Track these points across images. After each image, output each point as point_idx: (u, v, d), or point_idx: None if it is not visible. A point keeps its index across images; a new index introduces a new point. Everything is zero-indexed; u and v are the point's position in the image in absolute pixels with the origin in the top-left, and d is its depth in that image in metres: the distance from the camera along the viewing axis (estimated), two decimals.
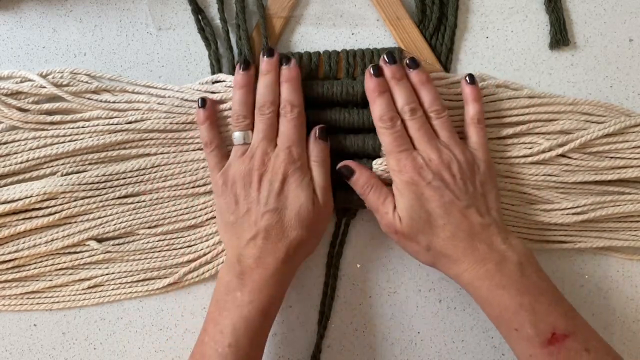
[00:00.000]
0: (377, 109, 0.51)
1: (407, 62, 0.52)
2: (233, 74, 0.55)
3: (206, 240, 0.55)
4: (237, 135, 0.52)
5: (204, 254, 0.55)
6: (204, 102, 0.53)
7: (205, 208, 0.55)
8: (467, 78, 0.53)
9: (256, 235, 0.49)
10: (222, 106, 0.54)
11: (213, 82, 0.55)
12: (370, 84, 0.51)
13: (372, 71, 0.51)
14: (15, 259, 0.55)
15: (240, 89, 0.52)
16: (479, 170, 0.51)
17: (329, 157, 0.52)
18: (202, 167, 0.55)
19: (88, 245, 0.55)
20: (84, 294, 0.55)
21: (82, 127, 0.54)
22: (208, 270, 0.55)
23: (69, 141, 0.54)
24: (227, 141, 0.54)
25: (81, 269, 0.55)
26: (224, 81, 0.55)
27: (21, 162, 0.54)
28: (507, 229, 0.50)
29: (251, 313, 0.48)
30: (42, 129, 0.54)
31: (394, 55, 0.52)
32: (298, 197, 0.50)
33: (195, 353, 0.49)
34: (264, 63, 0.52)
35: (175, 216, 0.55)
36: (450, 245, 0.49)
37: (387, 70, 0.52)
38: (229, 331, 0.47)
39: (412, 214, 0.49)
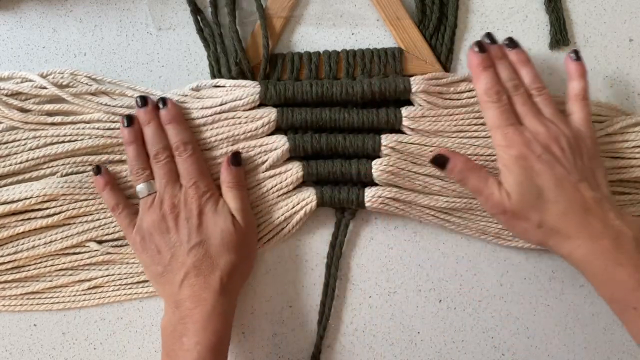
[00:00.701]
0: (482, 83, 0.51)
1: (507, 42, 0.53)
2: (230, 77, 0.55)
3: None
4: (140, 188, 0.52)
5: None
6: (98, 169, 0.53)
7: None
8: (571, 54, 0.53)
9: (187, 274, 0.49)
10: (220, 108, 0.54)
11: (213, 86, 0.55)
12: (474, 59, 0.51)
13: (476, 48, 0.51)
14: (15, 260, 0.55)
15: (131, 145, 0.52)
16: (585, 145, 0.50)
17: (244, 179, 0.53)
18: None
19: (88, 246, 0.55)
20: (84, 294, 0.55)
21: (83, 128, 0.54)
22: None
23: (68, 141, 0.54)
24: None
25: (81, 270, 0.55)
26: (223, 86, 0.55)
27: (21, 162, 0.54)
28: (618, 206, 0.49)
29: (201, 354, 0.47)
30: (43, 129, 0.54)
31: (493, 36, 0.52)
32: (217, 224, 0.50)
33: None
34: (141, 113, 0.52)
35: None
36: (563, 221, 0.47)
37: (489, 48, 0.52)
38: None
39: (522, 189, 0.48)
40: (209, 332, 0.48)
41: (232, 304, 0.51)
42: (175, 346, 0.48)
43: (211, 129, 0.54)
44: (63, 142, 0.54)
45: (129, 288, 0.55)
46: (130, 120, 0.52)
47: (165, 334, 0.49)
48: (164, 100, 0.52)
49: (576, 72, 0.52)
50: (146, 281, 0.55)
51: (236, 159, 0.53)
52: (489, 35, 0.53)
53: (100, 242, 0.55)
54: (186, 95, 0.55)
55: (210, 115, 0.54)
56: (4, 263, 0.55)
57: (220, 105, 0.54)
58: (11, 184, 0.55)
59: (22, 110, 0.55)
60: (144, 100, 0.52)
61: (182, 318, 0.48)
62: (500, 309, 0.56)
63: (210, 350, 0.47)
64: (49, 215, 0.54)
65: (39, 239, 0.55)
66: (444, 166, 0.51)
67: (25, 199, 0.54)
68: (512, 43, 0.53)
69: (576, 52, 0.53)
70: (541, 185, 0.48)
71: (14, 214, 0.54)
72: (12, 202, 0.54)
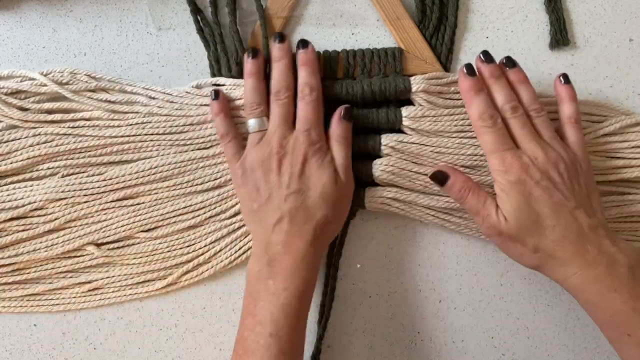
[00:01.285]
0: (475, 108, 0.50)
1: (504, 60, 0.52)
2: (230, 77, 0.55)
3: (205, 239, 0.55)
4: (252, 123, 0.51)
5: (202, 254, 0.55)
6: (217, 94, 0.52)
7: (204, 207, 0.55)
8: (561, 78, 0.52)
9: (281, 219, 0.49)
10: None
11: (213, 85, 0.55)
12: (465, 83, 0.51)
13: (465, 70, 0.51)
14: (16, 262, 0.55)
15: (251, 77, 0.52)
16: (582, 170, 0.50)
17: (351, 136, 0.52)
18: (201, 167, 0.55)
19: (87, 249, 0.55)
20: (84, 296, 0.55)
21: (83, 126, 0.54)
22: (207, 270, 0.55)
23: (67, 142, 0.54)
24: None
25: (81, 272, 0.55)
26: (224, 85, 0.55)
27: (21, 161, 0.54)
28: (613, 232, 0.49)
29: (288, 299, 0.47)
30: (42, 127, 0.54)
31: (490, 54, 0.52)
32: (320, 177, 0.49)
33: (238, 349, 0.48)
34: (276, 49, 0.52)
35: (174, 216, 0.55)
36: (560, 247, 0.47)
37: (485, 68, 0.51)
38: (267, 321, 0.47)
39: (520, 214, 0.48)
40: (298, 279, 0.47)
41: (320, 255, 0.50)
42: (260, 287, 0.48)
43: (211, 127, 0.54)
44: (63, 142, 0.54)
45: (129, 289, 0.55)
46: (255, 52, 0.52)
47: (251, 274, 0.49)
48: (305, 42, 0.52)
49: (566, 96, 0.52)
50: (146, 282, 0.55)
51: (348, 113, 0.52)
52: (485, 53, 0.52)
53: (99, 245, 0.55)
54: (188, 92, 0.55)
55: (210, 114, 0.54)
56: (4, 265, 0.55)
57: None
58: (11, 183, 0.55)
59: (22, 109, 0.54)
60: (281, 37, 0.52)
61: (270, 261, 0.48)
62: (500, 309, 0.56)
63: (297, 297, 0.47)
64: (49, 221, 0.54)
65: (40, 243, 0.54)
66: (443, 183, 0.51)
67: (29, 204, 0.54)
68: (510, 62, 0.52)
69: (565, 76, 0.52)
70: (539, 211, 0.48)
71: (13, 218, 0.55)
72: (15, 208, 0.54)
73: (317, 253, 0.49)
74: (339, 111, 0.52)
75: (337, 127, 0.51)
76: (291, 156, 0.50)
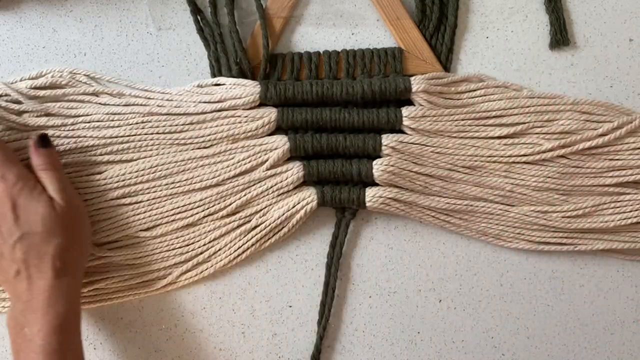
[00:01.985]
0: None
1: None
2: (230, 76, 0.55)
3: (204, 238, 0.55)
4: None
5: (201, 252, 0.55)
6: None
7: (202, 205, 0.55)
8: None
9: (18, 269, 0.48)
10: (220, 105, 0.54)
11: (213, 85, 0.55)
12: None
13: None
14: None
15: None
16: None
17: (57, 158, 0.51)
18: (200, 166, 0.55)
19: None
20: (84, 296, 0.55)
21: (82, 128, 0.54)
22: (207, 269, 0.55)
23: (67, 142, 0.54)
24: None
25: (85, 274, 0.55)
26: (224, 84, 0.55)
27: (21, 161, 0.54)
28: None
29: (44, 340, 0.46)
30: (42, 129, 0.54)
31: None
32: (35, 212, 0.48)
33: None
34: None
35: (172, 215, 0.55)
36: None
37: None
38: None
39: None
40: (50, 317, 0.47)
41: (75, 284, 0.49)
42: (19, 339, 0.47)
43: (210, 127, 0.54)
44: (62, 143, 0.54)
45: (129, 289, 0.55)
46: None
47: (10, 329, 0.48)
48: None
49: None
50: (146, 281, 0.55)
51: (43, 141, 0.50)
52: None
53: (99, 245, 0.55)
54: (188, 92, 0.55)
55: (210, 112, 0.54)
56: None
57: (220, 101, 0.54)
58: None
59: (20, 113, 0.54)
60: None
61: (22, 310, 0.47)
62: (500, 309, 0.56)
63: (53, 333, 0.46)
64: None
65: None
66: None
67: None
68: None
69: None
70: None
71: None
72: None
73: (67, 284, 0.48)
74: (33, 142, 0.50)
75: (35, 157, 0.50)
76: None
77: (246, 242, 0.55)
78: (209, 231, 0.55)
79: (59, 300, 0.47)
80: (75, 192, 0.52)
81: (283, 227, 0.55)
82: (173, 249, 0.55)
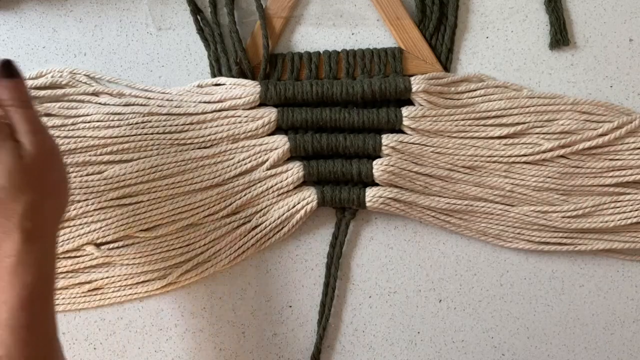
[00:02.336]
0: None
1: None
2: (230, 76, 0.55)
3: (204, 238, 0.55)
4: None
5: (201, 252, 0.55)
6: None
7: (202, 205, 0.55)
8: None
9: None
10: (220, 105, 0.54)
11: (214, 85, 0.55)
12: None
13: None
14: None
15: None
16: None
17: (25, 92, 0.42)
18: (200, 166, 0.55)
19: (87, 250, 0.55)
20: (84, 296, 0.55)
21: (83, 128, 0.54)
22: (207, 269, 0.55)
23: (67, 143, 0.54)
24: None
25: (81, 272, 0.55)
26: (224, 84, 0.55)
27: None
28: None
29: (11, 313, 0.40)
30: None
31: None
32: None
33: None
34: None
35: (173, 215, 0.55)
36: None
37: None
38: None
39: None
40: (18, 287, 0.40)
41: (47, 249, 0.42)
42: None
43: (210, 127, 0.54)
44: (62, 143, 0.54)
45: (129, 289, 0.55)
46: None
47: None
48: None
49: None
50: (146, 281, 0.55)
51: (8, 69, 0.41)
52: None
53: (99, 245, 0.55)
54: (188, 91, 0.55)
55: (210, 112, 0.54)
56: None
57: (220, 101, 0.54)
58: None
59: None
60: None
61: None
62: (500, 309, 0.56)
63: (21, 306, 0.40)
64: None
65: None
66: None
67: None
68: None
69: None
70: None
71: None
72: None
73: (39, 249, 0.41)
74: None
75: (1, 92, 0.41)
76: None
77: (246, 242, 0.55)
78: (209, 231, 0.55)
79: (28, 268, 0.40)
80: (48, 134, 0.43)
81: (283, 227, 0.55)
82: (173, 249, 0.55)
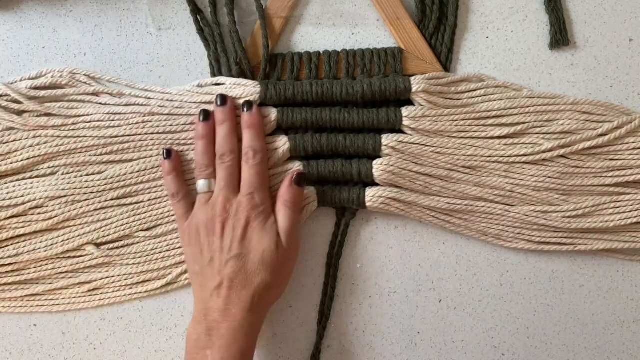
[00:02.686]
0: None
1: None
2: (230, 76, 0.55)
3: None
4: (201, 184, 0.52)
5: None
6: (169, 153, 0.53)
7: None
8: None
9: (220, 284, 0.49)
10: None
11: (213, 85, 0.55)
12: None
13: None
14: (16, 262, 0.55)
15: (201, 140, 0.52)
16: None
17: (301, 201, 0.53)
18: None
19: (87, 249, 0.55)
20: (84, 296, 0.55)
21: (83, 128, 0.54)
22: None
23: (67, 142, 0.54)
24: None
25: (81, 272, 0.55)
26: (224, 84, 0.55)
27: (21, 161, 0.54)
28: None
29: None
30: (43, 129, 0.54)
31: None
32: (261, 241, 0.50)
33: None
34: (218, 112, 0.52)
35: (172, 215, 0.55)
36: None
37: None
38: None
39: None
40: (234, 350, 0.47)
41: (260, 321, 0.50)
42: (199, 356, 0.48)
43: None
44: (63, 143, 0.54)
45: (129, 288, 0.55)
46: (206, 115, 0.52)
47: (190, 341, 0.49)
48: (249, 104, 0.52)
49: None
50: (146, 281, 0.55)
51: (300, 179, 0.52)
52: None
53: (99, 245, 0.55)
54: (189, 91, 0.55)
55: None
56: (4, 265, 0.55)
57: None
58: (11, 181, 0.55)
59: (20, 112, 0.54)
60: (223, 99, 0.52)
61: (208, 329, 0.48)
62: (500, 309, 0.56)
63: None
64: (50, 218, 0.54)
65: (40, 242, 0.55)
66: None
67: (28, 202, 0.54)
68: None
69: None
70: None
71: (13, 216, 0.55)
72: (15, 205, 0.54)
73: (255, 321, 0.49)
74: (291, 176, 0.52)
75: (286, 191, 0.52)
76: (234, 220, 0.50)
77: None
78: None
79: (246, 335, 0.48)
80: (298, 239, 0.53)
81: None
82: (173, 249, 0.55)
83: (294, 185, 0.52)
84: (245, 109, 0.52)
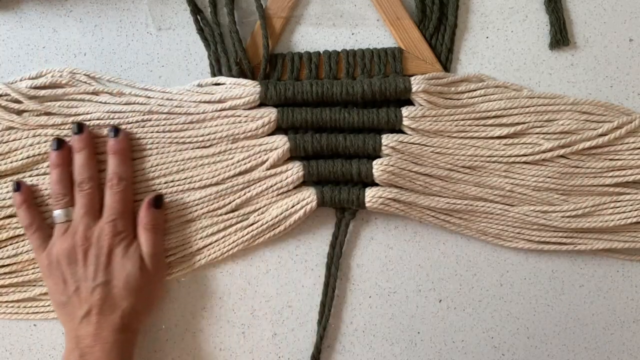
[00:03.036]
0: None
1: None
2: (230, 76, 0.55)
3: (200, 233, 0.55)
4: (57, 214, 0.52)
5: (195, 245, 0.55)
6: (18, 185, 0.52)
7: (201, 203, 0.55)
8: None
9: (89, 311, 0.49)
10: (220, 105, 0.54)
11: (213, 84, 0.55)
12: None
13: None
14: (15, 263, 0.55)
15: (55, 169, 0.52)
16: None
17: (162, 223, 0.53)
18: (200, 165, 0.55)
19: None
20: None
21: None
22: (199, 261, 0.55)
23: (67, 142, 0.54)
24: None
25: None
26: (224, 84, 0.55)
27: (21, 160, 0.54)
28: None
29: None
30: (43, 127, 0.54)
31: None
32: (124, 267, 0.50)
33: None
34: (75, 140, 0.52)
35: (171, 212, 0.55)
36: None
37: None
38: None
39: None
40: None
41: (132, 339, 0.52)
42: None
43: (210, 126, 0.54)
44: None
45: None
46: (59, 144, 0.52)
47: None
48: (116, 130, 0.52)
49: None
50: None
51: (158, 201, 0.53)
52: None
53: None
54: (188, 90, 0.55)
55: (210, 112, 0.54)
56: (4, 266, 0.55)
57: (220, 101, 0.54)
58: (10, 181, 0.55)
59: (20, 112, 0.54)
60: (80, 127, 0.52)
61: (82, 355, 0.49)
62: (500, 309, 0.56)
63: None
64: (49, 217, 0.54)
65: None
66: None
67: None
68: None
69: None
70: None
71: (12, 215, 0.55)
72: (15, 205, 0.54)
73: (127, 338, 0.50)
74: (148, 199, 0.52)
75: (144, 215, 0.52)
76: (96, 247, 0.50)
77: (241, 237, 0.55)
78: (206, 226, 0.55)
79: (118, 354, 0.49)
80: (164, 259, 0.54)
81: (280, 225, 0.55)
82: (169, 244, 0.55)
83: (151, 208, 0.52)
84: (112, 134, 0.52)
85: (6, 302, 0.55)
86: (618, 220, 0.54)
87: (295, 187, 0.55)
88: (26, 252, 0.54)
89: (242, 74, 0.55)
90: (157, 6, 0.57)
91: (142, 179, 0.54)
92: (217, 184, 0.55)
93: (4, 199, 0.54)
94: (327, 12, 0.57)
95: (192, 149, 0.55)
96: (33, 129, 0.54)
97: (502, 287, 0.56)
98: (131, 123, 0.54)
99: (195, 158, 0.55)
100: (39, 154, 0.54)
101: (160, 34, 0.57)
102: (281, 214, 0.54)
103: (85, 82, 0.56)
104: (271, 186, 0.54)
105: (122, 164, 0.52)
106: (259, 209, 0.55)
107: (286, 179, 0.54)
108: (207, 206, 0.55)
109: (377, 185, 0.54)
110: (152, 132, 0.54)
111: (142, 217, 0.52)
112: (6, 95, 0.54)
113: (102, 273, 0.50)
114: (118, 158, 0.52)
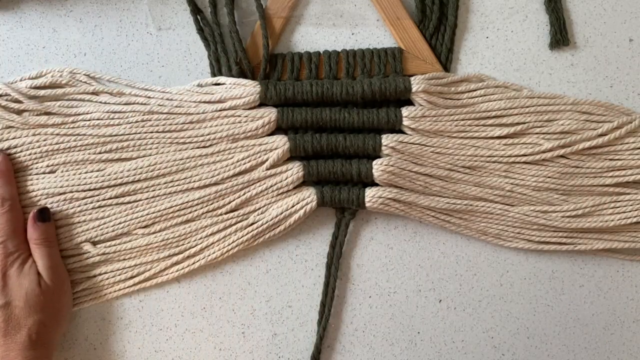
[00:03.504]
0: None
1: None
2: (230, 76, 0.55)
3: (200, 233, 0.55)
4: None
5: (195, 245, 0.55)
6: None
7: (201, 202, 0.55)
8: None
9: None
10: (220, 105, 0.54)
11: (213, 84, 0.55)
12: None
13: None
14: None
15: None
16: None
17: (53, 234, 0.53)
18: (200, 164, 0.55)
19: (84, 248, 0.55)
20: (83, 296, 0.55)
21: (83, 126, 0.54)
22: (199, 261, 0.55)
23: (67, 141, 0.54)
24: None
25: (80, 272, 0.55)
26: (224, 84, 0.55)
27: (21, 159, 0.54)
28: None
29: None
30: (43, 127, 0.54)
31: None
32: (21, 286, 0.50)
33: None
34: None
35: (171, 212, 0.55)
36: None
37: None
38: None
39: None
40: None
41: (47, 354, 0.51)
42: None
43: (210, 126, 0.54)
44: (62, 141, 0.54)
45: (124, 282, 0.55)
46: None
47: None
48: None
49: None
50: (140, 274, 0.55)
51: (43, 215, 0.52)
52: None
53: (95, 243, 0.55)
54: (188, 90, 0.55)
55: (210, 112, 0.54)
56: None
57: (220, 101, 0.54)
58: None
59: (20, 112, 0.55)
60: None
61: None
62: (500, 309, 0.56)
63: None
64: None
65: None
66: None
67: (28, 200, 0.54)
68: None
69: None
70: None
71: None
72: None
73: (40, 354, 0.50)
74: (33, 214, 0.52)
75: (32, 231, 0.52)
76: None
77: (241, 237, 0.55)
78: (206, 226, 0.55)
79: None
80: (63, 270, 0.53)
81: (279, 225, 0.55)
82: (169, 243, 0.55)
83: (37, 222, 0.52)
84: None
85: None
86: (618, 220, 0.54)
87: (295, 187, 0.55)
88: None
89: (242, 74, 0.55)
90: (157, 6, 0.57)
91: (142, 179, 0.54)
92: (216, 183, 0.55)
93: None
94: (327, 12, 0.57)
95: (192, 148, 0.55)
96: (33, 128, 0.54)
97: (502, 287, 0.56)
98: (131, 123, 0.54)
99: (195, 157, 0.55)
100: (38, 153, 0.54)
101: (160, 34, 0.57)
102: (281, 214, 0.54)
103: (85, 82, 0.56)
104: (271, 186, 0.54)
105: (5, 184, 0.52)
106: (259, 208, 0.55)
107: (286, 179, 0.54)
108: (206, 206, 0.55)
109: (377, 185, 0.54)
110: (152, 132, 0.54)
111: (30, 234, 0.52)
112: (6, 95, 0.54)
113: (1, 294, 0.50)
114: (0, 180, 0.52)
